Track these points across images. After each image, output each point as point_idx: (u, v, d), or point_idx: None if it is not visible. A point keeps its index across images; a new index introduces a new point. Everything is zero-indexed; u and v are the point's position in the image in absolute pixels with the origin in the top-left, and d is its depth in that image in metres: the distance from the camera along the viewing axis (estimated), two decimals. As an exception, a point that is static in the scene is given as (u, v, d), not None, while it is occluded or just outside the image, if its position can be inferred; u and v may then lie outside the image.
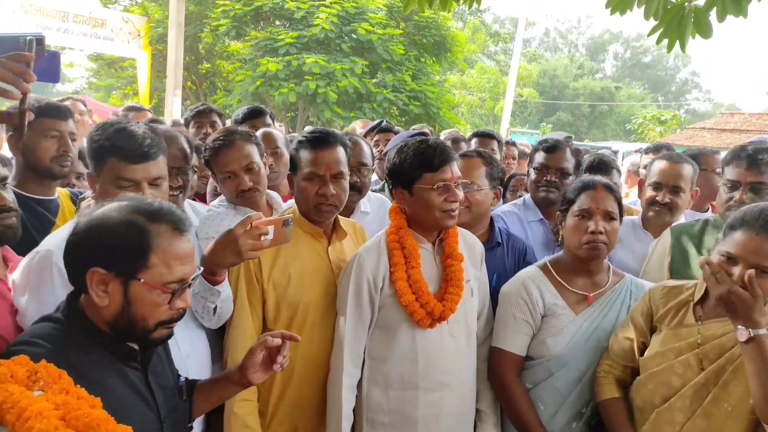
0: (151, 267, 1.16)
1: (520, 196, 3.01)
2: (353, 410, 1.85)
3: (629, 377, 1.78)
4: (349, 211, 2.51)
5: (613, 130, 39.13)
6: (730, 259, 1.52)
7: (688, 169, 2.41)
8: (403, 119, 13.26)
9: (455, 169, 1.82)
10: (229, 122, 3.54)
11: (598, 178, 2.00)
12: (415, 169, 1.78)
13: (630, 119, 31.51)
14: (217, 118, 3.38)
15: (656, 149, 3.82)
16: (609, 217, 1.86)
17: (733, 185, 2.13)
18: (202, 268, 1.36)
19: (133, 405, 1.21)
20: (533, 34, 52.52)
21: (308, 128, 2.07)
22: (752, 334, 1.44)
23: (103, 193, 1.59)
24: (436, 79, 15.04)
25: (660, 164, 2.46)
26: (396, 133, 3.65)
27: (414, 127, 4.39)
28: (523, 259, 2.26)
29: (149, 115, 4.28)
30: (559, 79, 42.27)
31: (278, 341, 1.42)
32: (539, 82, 39.49)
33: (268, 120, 3.28)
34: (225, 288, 1.71)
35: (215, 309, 1.72)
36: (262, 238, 1.56)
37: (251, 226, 1.54)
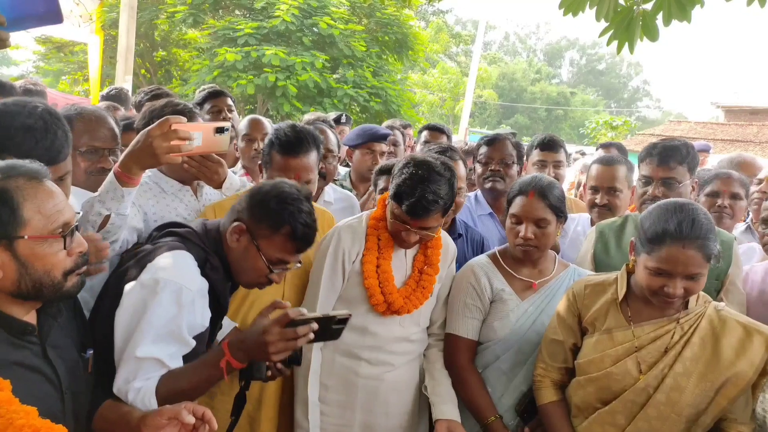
0: (29, 221, 1.14)
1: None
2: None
3: (566, 377, 1.81)
4: (314, 198, 2.53)
5: (568, 134, 40.22)
6: (661, 273, 1.56)
7: (622, 170, 2.55)
8: (364, 116, 13.24)
9: (427, 222, 1.81)
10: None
11: (536, 181, 1.96)
12: (394, 195, 1.84)
13: (584, 124, 32.46)
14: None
15: (606, 147, 3.95)
16: (539, 224, 1.90)
17: (647, 180, 2.23)
18: (80, 212, 1.32)
19: (30, 380, 1.18)
20: (494, 38, 53.45)
21: (284, 125, 2.04)
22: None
23: None
24: (398, 77, 15.07)
25: (595, 168, 2.61)
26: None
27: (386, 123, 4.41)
28: (480, 249, 2.35)
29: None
30: (518, 83, 43.14)
31: (191, 419, 1.23)
32: (498, 84, 40.20)
33: (230, 101, 3.26)
34: (130, 197, 1.56)
35: (106, 220, 1.54)
36: (186, 143, 1.48)
37: (169, 128, 1.46)
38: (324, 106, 12.03)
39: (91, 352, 1.38)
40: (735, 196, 2.74)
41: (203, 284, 1.50)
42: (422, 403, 2.05)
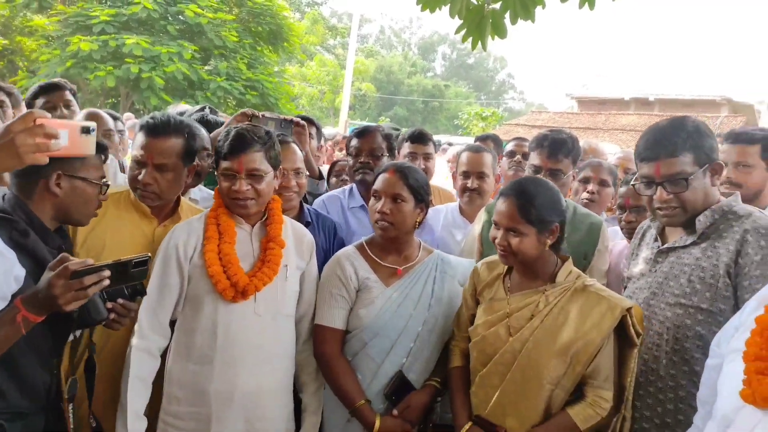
0: None
1: (343, 181, 3.10)
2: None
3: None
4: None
5: (444, 125, 42.06)
6: (497, 224, 1.82)
7: (488, 158, 2.79)
8: (240, 109, 12.81)
9: (247, 159, 1.84)
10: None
11: (400, 163, 2.13)
12: (217, 155, 1.91)
13: (458, 115, 34.16)
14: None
15: (483, 140, 4.18)
16: (395, 199, 1.97)
17: (536, 170, 2.45)
18: None
19: None
20: (370, 31, 54.19)
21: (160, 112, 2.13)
22: None
23: None
24: (275, 70, 14.78)
25: (465, 156, 2.81)
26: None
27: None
28: (333, 235, 2.38)
29: None
30: (395, 76, 44.21)
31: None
32: (376, 77, 40.92)
33: (69, 96, 2.98)
34: None
35: None
36: (53, 142, 1.34)
37: (34, 123, 1.30)
38: (196, 98, 11.46)
39: None
40: (603, 183, 3.00)
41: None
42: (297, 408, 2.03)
